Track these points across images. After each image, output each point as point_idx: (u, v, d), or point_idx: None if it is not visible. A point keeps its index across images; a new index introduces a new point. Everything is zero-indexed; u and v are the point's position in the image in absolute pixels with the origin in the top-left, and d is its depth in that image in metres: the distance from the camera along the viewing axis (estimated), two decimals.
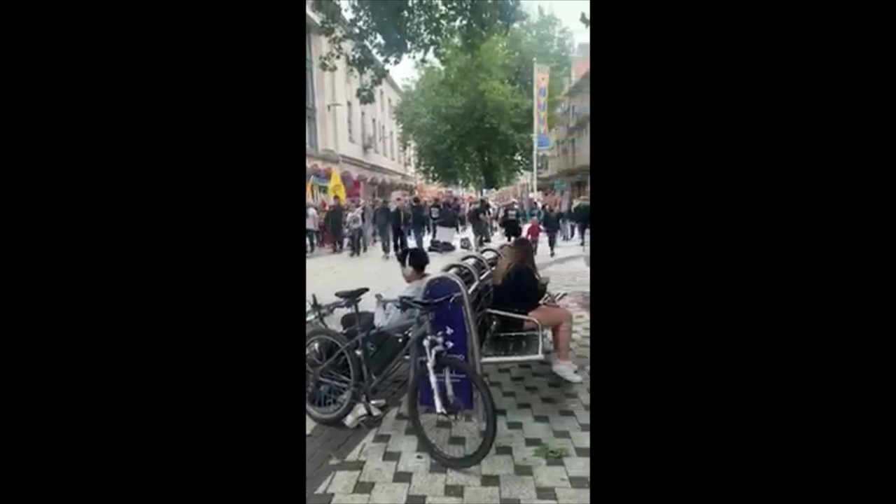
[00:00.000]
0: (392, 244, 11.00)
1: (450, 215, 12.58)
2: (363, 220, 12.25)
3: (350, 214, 12.05)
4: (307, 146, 21.25)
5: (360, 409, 2.51)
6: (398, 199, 13.06)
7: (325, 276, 8.05)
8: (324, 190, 18.13)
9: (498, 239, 11.76)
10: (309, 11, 14.24)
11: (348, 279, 4.48)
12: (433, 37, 7.05)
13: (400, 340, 2.59)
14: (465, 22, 6.78)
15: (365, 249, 11.86)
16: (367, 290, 2.79)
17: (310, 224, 11.80)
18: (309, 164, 19.71)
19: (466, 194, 27.97)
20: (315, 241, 12.47)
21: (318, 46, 21.14)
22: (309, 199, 14.62)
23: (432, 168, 25.22)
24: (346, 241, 12.37)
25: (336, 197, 15.21)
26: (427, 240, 11.68)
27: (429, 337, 2.26)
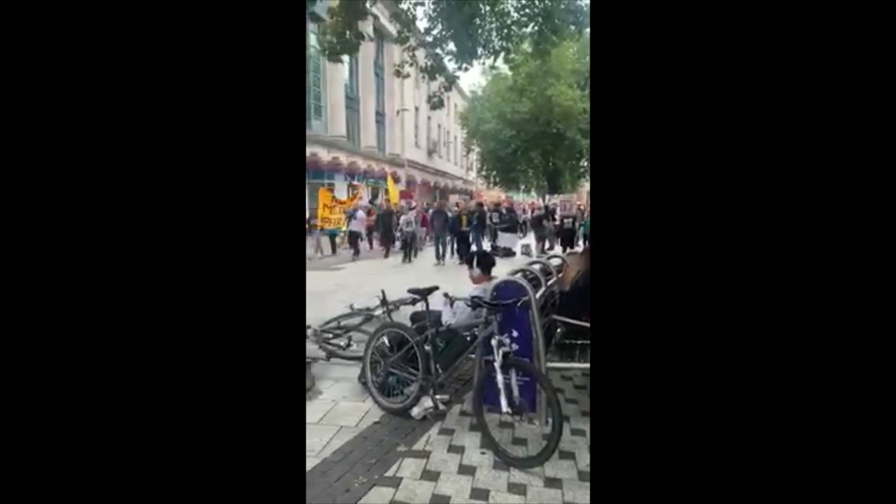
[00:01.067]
0: (445, 250, 10.50)
1: (513, 220, 12.48)
2: (416, 223, 11.45)
3: (403, 217, 11.43)
4: (376, 150, 22.11)
5: (427, 402, 2.62)
6: (456, 204, 12.69)
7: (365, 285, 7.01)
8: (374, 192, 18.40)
9: (559, 246, 11.48)
10: (385, 22, 14.74)
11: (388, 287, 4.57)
12: (504, 43, 7.12)
13: (468, 338, 2.67)
14: (536, 28, 6.78)
15: (415, 255, 11.06)
16: (437, 288, 2.90)
17: (357, 226, 11.49)
18: (377, 166, 20.49)
19: (528, 200, 27.65)
20: (358, 244, 11.59)
21: (390, 54, 21.95)
22: (363, 202, 14.42)
23: (494, 173, 25.21)
24: (397, 244, 11.75)
25: (387, 199, 14.92)
26: (487, 245, 11.67)
27: (496, 337, 2.33)
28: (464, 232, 10.31)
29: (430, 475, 2.10)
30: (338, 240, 12.10)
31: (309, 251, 10.63)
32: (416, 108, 26.05)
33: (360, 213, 11.95)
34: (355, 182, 16.78)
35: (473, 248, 9.95)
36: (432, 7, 6.85)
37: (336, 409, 2.82)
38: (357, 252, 11.36)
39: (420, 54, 8.02)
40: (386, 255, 11.53)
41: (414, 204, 14.69)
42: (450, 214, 11.18)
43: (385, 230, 12.05)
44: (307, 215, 12.22)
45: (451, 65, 7.57)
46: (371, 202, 15.45)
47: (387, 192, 17.21)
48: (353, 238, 11.40)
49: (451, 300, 3.01)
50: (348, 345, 3.82)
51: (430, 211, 13.45)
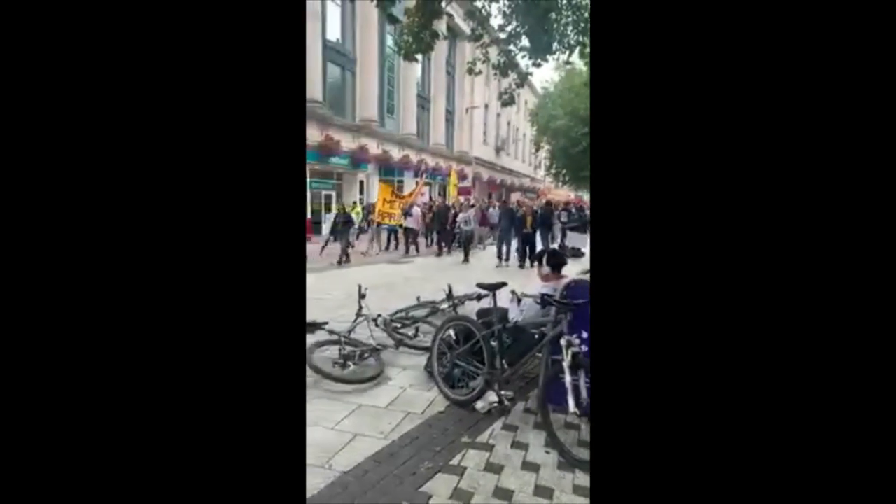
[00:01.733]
0: (509, 251, 9.62)
1: (582, 220, 12.07)
2: (475, 221, 10.92)
3: (461, 215, 10.69)
4: (444, 147, 22.41)
5: (492, 396, 2.65)
6: (517, 202, 11.95)
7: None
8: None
9: None
10: (459, 20, 14.87)
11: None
12: (580, 37, 6.90)
13: (535, 336, 2.65)
14: None
15: (467, 256, 10.22)
16: (505, 283, 2.91)
17: (412, 223, 11.10)
18: (444, 164, 20.76)
19: None
20: (414, 241, 11.26)
21: (462, 52, 22.12)
22: (424, 198, 14.21)
23: (563, 171, 24.54)
24: (454, 243, 11.41)
25: (441, 195, 14.57)
26: (555, 245, 11.37)
27: (566, 337, 2.29)
28: (526, 233, 9.45)
29: (494, 468, 2.12)
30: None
31: (365, 245, 10.96)
32: (486, 106, 26.01)
33: (416, 210, 11.58)
34: (418, 179, 16.55)
35: (539, 247, 9.65)
36: (507, 3, 6.80)
37: (403, 396, 2.93)
38: (408, 250, 11.04)
39: (493, 51, 8.02)
40: (439, 254, 11.10)
41: (473, 201, 14.01)
42: (517, 212, 10.42)
43: (439, 227, 11.50)
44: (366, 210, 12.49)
45: (523, 61, 7.49)
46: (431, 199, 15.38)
47: (445, 188, 17.05)
48: (407, 235, 11.18)
49: (518, 297, 3.01)
50: (415, 335, 3.95)
51: (491, 209, 13.06)
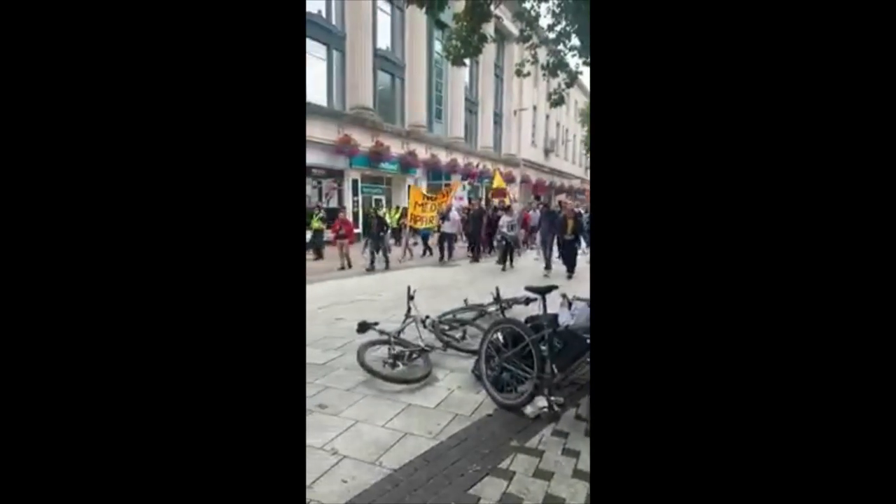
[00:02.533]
0: (551, 258, 8.58)
1: None
2: (518, 225, 9.99)
3: (505, 218, 9.59)
4: (492, 150, 22.35)
5: (541, 401, 2.60)
6: (559, 202, 10.82)
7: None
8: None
9: None
10: (507, 22, 14.80)
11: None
12: None
13: (588, 341, 2.58)
14: None
15: (512, 262, 9.40)
16: (556, 287, 2.86)
17: (451, 228, 10.18)
18: (492, 166, 20.69)
19: None
20: (451, 246, 10.23)
21: (510, 54, 22.01)
22: (462, 202, 13.40)
23: None
24: (492, 250, 10.78)
25: (476, 198, 13.49)
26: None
27: None
28: (567, 240, 8.11)
29: (544, 474, 2.08)
30: (431, 241, 11.02)
31: (399, 252, 10.38)
32: (535, 107, 25.69)
33: (454, 214, 10.42)
34: (450, 182, 15.29)
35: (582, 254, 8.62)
36: (556, 2, 6.70)
37: (451, 398, 2.94)
38: (443, 256, 10.03)
39: (542, 52, 7.92)
40: (475, 259, 10.26)
41: (507, 203, 12.26)
42: (559, 215, 9.22)
43: (474, 231, 10.42)
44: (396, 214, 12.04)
45: (573, 60, 7.36)
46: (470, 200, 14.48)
47: (489, 189, 15.75)
48: (442, 241, 10.15)
49: (569, 301, 2.94)
50: (463, 337, 3.96)
51: (531, 212, 12.17)
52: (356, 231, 11.72)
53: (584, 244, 9.13)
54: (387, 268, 8.93)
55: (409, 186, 12.47)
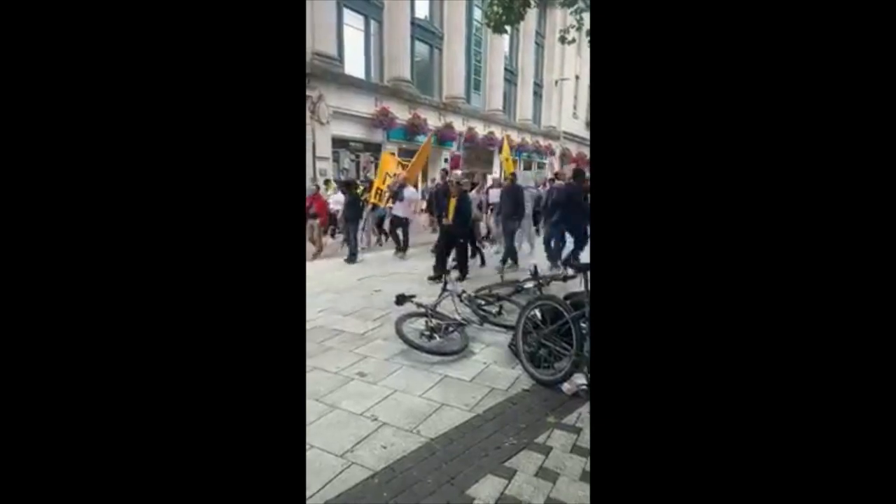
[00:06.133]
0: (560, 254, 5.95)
1: None
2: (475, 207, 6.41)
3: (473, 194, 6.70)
4: (531, 123, 21.70)
5: (580, 379, 2.57)
6: (555, 174, 9.03)
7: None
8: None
9: None
10: None
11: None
12: None
13: None
14: None
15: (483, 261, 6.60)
16: None
17: (401, 210, 7.24)
18: (530, 140, 20.16)
19: None
20: (403, 234, 7.28)
21: (552, 20, 21.01)
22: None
23: None
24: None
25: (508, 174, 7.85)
26: None
27: None
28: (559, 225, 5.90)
29: (582, 451, 2.07)
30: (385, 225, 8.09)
31: (366, 238, 7.85)
32: (577, 77, 24.60)
33: (410, 191, 7.46)
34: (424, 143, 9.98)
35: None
36: None
37: (487, 371, 2.96)
38: (399, 246, 7.15)
39: (587, 17, 7.48)
40: (402, 251, 7.19)
41: (476, 180, 9.11)
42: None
43: (438, 214, 6.04)
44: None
45: None
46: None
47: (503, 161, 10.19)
48: (394, 227, 7.34)
49: None
50: (499, 312, 3.95)
51: (551, 189, 7.60)
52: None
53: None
54: (349, 257, 6.73)
55: (383, 154, 9.87)
